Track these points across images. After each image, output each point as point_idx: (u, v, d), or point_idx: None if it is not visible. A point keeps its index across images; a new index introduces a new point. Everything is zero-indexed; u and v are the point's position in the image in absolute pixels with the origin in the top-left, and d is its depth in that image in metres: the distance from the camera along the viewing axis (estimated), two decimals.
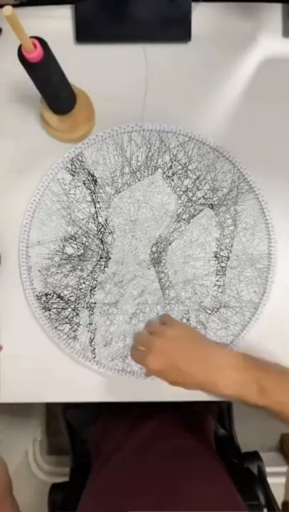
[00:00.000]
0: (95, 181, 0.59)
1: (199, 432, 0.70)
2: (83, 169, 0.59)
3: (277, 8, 0.61)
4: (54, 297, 0.59)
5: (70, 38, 0.61)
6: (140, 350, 0.42)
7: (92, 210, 0.59)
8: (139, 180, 0.60)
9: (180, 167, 0.60)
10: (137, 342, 0.44)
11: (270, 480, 0.73)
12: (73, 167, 0.59)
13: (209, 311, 0.59)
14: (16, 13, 0.35)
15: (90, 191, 0.59)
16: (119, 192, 0.60)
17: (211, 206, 0.60)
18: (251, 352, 0.59)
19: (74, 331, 0.59)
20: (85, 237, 0.59)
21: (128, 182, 0.60)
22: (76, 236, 0.59)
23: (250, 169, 0.59)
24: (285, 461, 1.06)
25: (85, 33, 0.60)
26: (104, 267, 0.59)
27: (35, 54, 0.41)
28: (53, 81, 0.48)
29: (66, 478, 0.79)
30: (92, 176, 0.59)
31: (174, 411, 0.69)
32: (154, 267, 0.60)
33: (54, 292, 0.59)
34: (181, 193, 0.60)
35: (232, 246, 0.59)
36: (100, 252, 0.59)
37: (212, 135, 0.59)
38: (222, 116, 0.61)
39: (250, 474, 0.73)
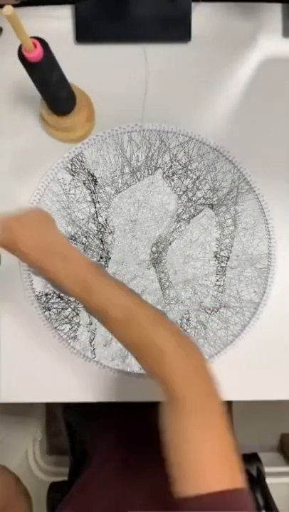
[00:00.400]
0: (95, 181, 0.59)
1: None
2: (83, 169, 0.59)
3: (277, 8, 0.61)
4: (54, 297, 0.59)
5: (70, 38, 0.61)
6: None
7: (92, 210, 0.59)
8: (139, 180, 0.60)
9: (180, 167, 0.60)
10: None
11: (270, 480, 0.73)
12: (73, 167, 0.59)
13: (209, 311, 0.59)
14: (16, 12, 0.35)
15: (90, 191, 0.59)
16: (119, 192, 0.60)
17: (211, 206, 0.60)
18: (251, 352, 0.60)
19: (74, 331, 0.59)
20: (85, 237, 0.59)
21: (128, 182, 0.60)
22: (76, 236, 0.59)
23: (250, 169, 0.59)
24: (285, 461, 1.06)
25: (85, 33, 0.60)
26: (105, 266, 0.59)
27: (35, 54, 0.41)
28: (52, 81, 0.47)
29: (66, 478, 0.79)
30: (92, 176, 0.59)
31: None
32: (154, 267, 0.60)
33: (54, 292, 0.59)
34: (181, 193, 0.60)
35: (232, 246, 0.59)
36: (100, 252, 0.59)
37: (212, 135, 0.59)
38: (222, 116, 0.61)
39: (250, 476, 0.73)
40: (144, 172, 0.59)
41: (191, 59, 0.61)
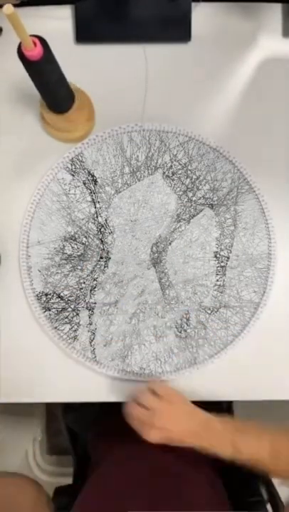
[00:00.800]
0: (95, 181, 0.59)
1: None
2: (83, 169, 0.59)
3: (277, 8, 0.61)
4: (54, 297, 0.59)
5: (70, 38, 0.61)
6: (141, 423, 0.51)
7: (92, 210, 0.59)
8: (139, 180, 0.59)
9: (180, 167, 0.60)
10: (135, 413, 0.51)
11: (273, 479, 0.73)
12: (73, 167, 0.59)
13: (209, 311, 0.59)
14: (16, 11, 0.35)
15: (90, 191, 0.59)
16: (119, 192, 0.60)
17: (211, 206, 0.60)
18: (251, 352, 0.60)
19: (74, 331, 0.59)
20: (85, 237, 0.59)
21: (128, 182, 0.59)
22: (76, 236, 0.59)
23: (250, 169, 0.59)
24: None
25: (85, 33, 0.60)
26: (104, 267, 0.59)
27: (35, 52, 0.41)
28: (52, 80, 0.48)
29: (66, 478, 0.79)
30: (92, 176, 0.59)
31: None
32: (154, 267, 0.60)
33: (54, 292, 0.59)
34: (181, 193, 0.60)
35: (232, 246, 0.59)
36: (100, 252, 0.59)
37: (212, 135, 0.59)
38: (222, 116, 0.61)
39: (253, 471, 0.73)
40: (144, 172, 0.59)
41: (191, 59, 0.61)
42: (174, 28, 0.60)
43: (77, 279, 0.59)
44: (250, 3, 0.60)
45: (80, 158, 0.59)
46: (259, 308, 0.59)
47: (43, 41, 0.42)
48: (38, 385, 0.60)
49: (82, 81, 0.56)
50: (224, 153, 0.59)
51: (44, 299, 0.59)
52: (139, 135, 0.59)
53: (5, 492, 0.57)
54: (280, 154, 0.60)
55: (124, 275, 0.59)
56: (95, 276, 0.59)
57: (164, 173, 0.59)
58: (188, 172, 0.59)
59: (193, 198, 0.60)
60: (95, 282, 0.59)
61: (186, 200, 0.60)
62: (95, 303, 0.59)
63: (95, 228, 0.59)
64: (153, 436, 0.49)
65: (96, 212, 0.59)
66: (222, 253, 0.59)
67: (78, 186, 0.59)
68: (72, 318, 0.59)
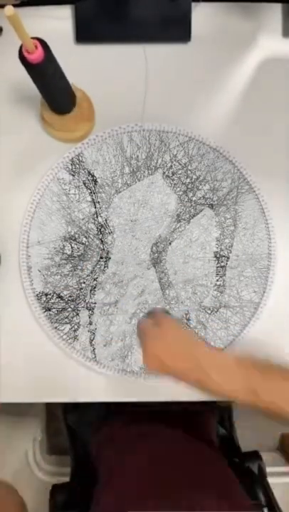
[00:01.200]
0: (95, 181, 0.59)
1: (202, 434, 0.69)
2: (83, 169, 0.59)
3: (277, 8, 0.61)
4: (54, 297, 0.59)
5: (70, 38, 0.61)
6: (144, 333, 0.45)
7: (92, 210, 0.59)
8: (139, 180, 0.60)
9: (180, 167, 0.60)
10: (143, 324, 0.47)
11: (270, 480, 0.73)
12: (73, 167, 0.59)
13: (209, 311, 0.59)
14: (17, 13, 0.35)
15: (90, 191, 0.59)
16: (119, 192, 0.60)
17: (211, 206, 0.60)
18: (251, 352, 0.60)
19: (74, 331, 0.59)
20: (85, 237, 0.59)
21: (128, 182, 0.59)
22: (76, 236, 0.59)
23: (250, 169, 0.59)
24: (285, 461, 1.06)
25: (85, 33, 0.60)
26: (104, 267, 0.59)
27: (36, 55, 0.41)
28: (53, 81, 0.48)
29: (66, 478, 0.79)
30: (92, 176, 0.59)
31: (175, 411, 0.69)
32: (154, 267, 0.60)
33: (54, 292, 0.59)
34: (181, 193, 0.60)
35: (232, 246, 0.59)
36: (100, 252, 0.59)
37: (212, 135, 0.59)
38: (222, 116, 0.61)
39: (251, 474, 0.73)
40: (144, 172, 0.59)
41: (191, 59, 0.61)
42: (174, 28, 0.60)
43: (77, 279, 0.59)
44: (250, 3, 0.60)
45: (80, 158, 0.59)
46: (259, 308, 0.59)
47: (43, 43, 0.42)
48: (38, 384, 0.60)
49: (82, 81, 0.56)
50: (224, 153, 0.59)
51: (44, 299, 0.59)
52: (139, 135, 0.59)
53: None
54: (280, 154, 0.60)
55: (124, 275, 0.59)
56: (95, 276, 0.59)
57: (164, 173, 0.59)
58: (188, 172, 0.59)
59: (193, 198, 0.60)
60: (95, 282, 0.59)
61: (186, 200, 0.60)
62: (95, 303, 0.59)
63: (95, 228, 0.59)
64: (148, 363, 0.44)
65: (96, 212, 0.59)
66: (222, 253, 0.59)
67: (78, 186, 0.59)
68: (72, 318, 0.59)
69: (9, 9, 0.34)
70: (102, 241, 0.59)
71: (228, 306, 0.59)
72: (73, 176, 0.59)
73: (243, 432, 0.90)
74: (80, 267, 0.59)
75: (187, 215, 0.60)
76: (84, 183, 0.59)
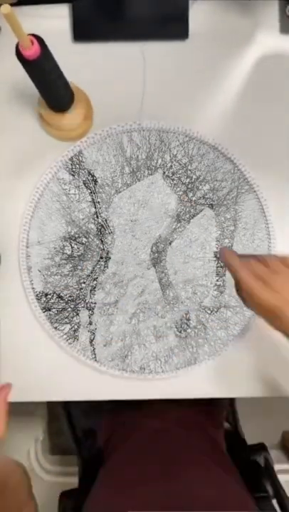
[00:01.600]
0: (95, 181, 0.59)
1: (210, 436, 0.69)
2: (83, 169, 0.59)
3: (274, 4, 0.61)
4: (54, 297, 0.59)
5: (67, 36, 0.60)
6: (256, 278, 0.41)
7: (92, 210, 0.59)
8: (139, 180, 0.59)
9: (180, 167, 0.59)
10: (253, 267, 0.43)
11: None
12: (73, 167, 0.59)
13: (209, 311, 0.59)
14: (14, 11, 0.35)
15: (90, 191, 0.59)
16: (119, 192, 0.59)
17: (211, 206, 0.59)
18: (251, 352, 0.60)
19: (74, 331, 0.59)
20: (85, 237, 0.59)
21: (128, 182, 0.59)
22: (76, 236, 0.59)
23: (250, 169, 0.59)
24: (287, 458, 1.06)
25: (83, 31, 0.60)
26: (104, 267, 0.59)
27: (32, 51, 0.41)
28: (50, 78, 0.47)
29: (69, 478, 0.79)
30: (92, 175, 0.59)
31: (179, 408, 0.70)
32: (154, 267, 0.60)
33: (54, 292, 0.59)
34: (181, 193, 0.59)
35: (232, 246, 0.59)
36: (100, 252, 0.59)
37: (211, 133, 0.59)
38: (221, 114, 0.60)
39: (258, 466, 0.73)
40: (144, 172, 0.59)
41: (188, 56, 0.61)
42: (172, 25, 0.60)
43: (77, 279, 0.59)
44: (247, 0, 0.60)
45: (79, 158, 0.59)
46: None
47: (40, 40, 0.42)
48: (39, 384, 0.60)
49: (80, 79, 0.56)
50: (223, 150, 0.59)
51: (44, 299, 0.59)
52: (139, 135, 0.59)
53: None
54: (281, 154, 0.60)
55: (124, 275, 0.59)
56: (95, 276, 0.59)
57: (164, 173, 0.59)
58: (189, 172, 0.59)
59: (193, 198, 0.59)
60: (95, 282, 0.59)
61: (186, 200, 0.59)
62: (95, 303, 0.59)
63: (95, 228, 0.59)
64: (266, 296, 0.40)
65: (96, 212, 0.59)
66: None
67: (78, 186, 0.59)
68: (72, 318, 0.59)
69: (5, 7, 0.34)
70: (102, 241, 0.59)
71: (228, 306, 0.59)
72: (73, 175, 0.59)
73: (245, 429, 0.90)
74: (80, 267, 0.59)
75: (187, 215, 0.59)
76: (84, 183, 0.59)
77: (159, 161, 0.59)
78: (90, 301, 0.59)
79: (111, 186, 0.59)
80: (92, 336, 0.59)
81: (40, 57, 0.42)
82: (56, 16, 0.60)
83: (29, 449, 1.00)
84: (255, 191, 0.59)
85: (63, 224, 0.59)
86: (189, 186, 0.59)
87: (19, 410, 1.03)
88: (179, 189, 0.59)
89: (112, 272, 0.59)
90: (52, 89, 0.50)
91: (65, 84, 0.51)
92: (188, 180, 0.59)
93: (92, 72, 0.59)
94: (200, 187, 0.59)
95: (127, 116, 0.59)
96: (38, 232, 0.59)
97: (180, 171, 0.59)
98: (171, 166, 0.59)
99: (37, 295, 0.59)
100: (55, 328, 0.59)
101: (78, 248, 0.59)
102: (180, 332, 0.59)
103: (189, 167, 0.59)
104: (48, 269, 0.59)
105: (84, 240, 0.59)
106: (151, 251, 0.60)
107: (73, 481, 0.76)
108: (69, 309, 0.59)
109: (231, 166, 0.59)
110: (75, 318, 0.59)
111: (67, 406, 0.87)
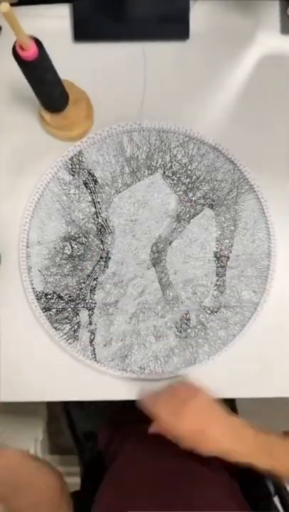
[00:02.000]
0: (95, 181, 0.59)
1: None
2: (83, 169, 0.59)
3: (275, 5, 0.61)
4: (54, 297, 0.59)
5: (68, 36, 0.60)
6: (168, 413, 0.46)
7: (92, 210, 0.59)
8: (139, 180, 0.59)
9: (180, 167, 0.59)
10: (161, 401, 0.47)
11: None
12: (73, 167, 0.59)
13: (209, 311, 0.59)
14: (13, 10, 0.35)
15: (90, 191, 0.59)
16: (119, 192, 0.59)
17: (211, 206, 0.59)
18: (251, 351, 0.60)
19: (74, 331, 0.59)
20: (85, 237, 0.59)
21: (128, 182, 0.59)
22: (76, 236, 0.59)
23: (250, 169, 0.59)
24: None
25: (83, 31, 0.60)
26: (104, 267, 0.59)
27: (30, 53, 0.41)
28: (46, 79, 0.47)
29: (68, 478, 0.78)
30: (92, 175, 0.59)
31: None
32: (154, 267, 0.59)
33: (54, 292, 0.59)
34: (181, 193, 0.59)
35: (232, 246, 0.59)
36: (100, 252, 0.59)
37: (212, 134, 0.59)
38: (221, 114, 0.60)
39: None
40: (144, 172, 0.59)
41: (189, 56, 0.61)
42: (173, 25, 0.60)
43: (77, 279, 0.59)
44: (248, 1, 0.60)
45: (80, 158, 0.59)
46: (259, 308, 0.59)
47: (37, 42, 0.42)
48: (39, 384, 0.60)
49: (81, 79, 0.56)
50: (223, 151, 0.59)
51: (44, 299, 0.59)
52: (139, 135, 0.59)
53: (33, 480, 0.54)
54: (281, 153, 0.60)
55: (124, 275, 0.59)
56: (95, 276, 0.59)
57: (164, 173, 0.59)
58: (189, 172, 0.59)
59: (193, 198, 0.59)
60: (95, 282, 0.59)
61: (186, 200, 0.59)
62: (95, 303, 0.59)
63: (95, 228, 0.59)
64: (187, 421, 0.45)
65: (96, 212, 0.59)
66: (222, 253, 0.59)
67: (78, 186, 0.59)
68: (72, 318, 0.59)
69: (4, 6, 0.34)
70: (102, 241, 0.59)
71: (228, 306, 0.59)
72: (73, 175, 0.59)
73: None
74: (80, 267, 0.59)
75: (187, 215, 0.59)
76: (84, 183, 0.59)
77: (159, 161, 0.59)
78: (90, 301, 0.59)
79: (111, 186, 0.59)
80: (92, 336, 0.59)
81: (38, 59, 0.42)
82: (56, 16, 0.60)
83: (29, 449, 1.00)
84: (255, 191, 0.59)
85: (63, 224, 0.59)
86: (189, 186, 0.59)
87: (19, 410, 1.03)
88: (179, 189, 0.59)
89: (112, 272, 0.59)
90: (47, 90, 0.50)
91: (61, 85, 0.51)
92: (188, 180, 0.59)
93: (92, 72, 0.59)
94: (200, 187, 0.59)
95: (127, 116, 0.59)
96: (38, 232, 0.59)
97: (180, 171, 0.59)
98: (171, 166, 0.59)
99: (37, 295, 0.59)
100: (55, 328, 0.59)
101: (78, 248, 0.59)
102: (180, 332, 0.59)
103: (189, 167, 0.59)
104: (48, 269, 0.59)
105: (84, 239, 0.59)
106: (151, 251, 0.60)
107: (73, 481, 0.76)
108: (69, 309, 0.59)
109: (231, 166, 0.59)
110: (75, 318, 0.59)
111: (67, 406, 0.87)
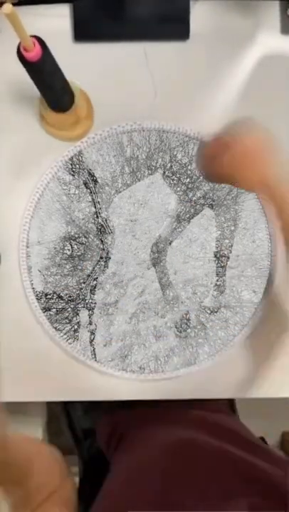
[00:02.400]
0: (95, 181, 0.59)
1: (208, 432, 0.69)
2: (83, 169, 0.59)
3: (275, 5, 0.61)
4: (54, 297, 0.59)
5: (68, 36, 0.60)
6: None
7: (92, 210, 0.59)
8: (139, 180, 0.59)
9: (180, 167, 0.59)
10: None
11: None
12: (73, 167, 0.59)
13: (209, 311, 0.59)
14: (15, 11, 0.35)
15: (90, 191, 0.59)
16: (119, 192, 0.59)
17: (211, 206, 0.59)
18: (251, 351, 0.60)
19: (74, 331, 0.59)
20: (85, 237, 0.59)
21: (128, 182, 0.59)
22: (76, 236, 0.59)
23: None
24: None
25: (83, 31, 0.60)
26: (105, 267, 0.59)
27: (33, 53, 0.41)
28: (51, 79, 0.48)
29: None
30: (92, 175, 0.59)
31: (180, 409, 0.69)
32: (154, 267, 0.60)
33: (54, 292, 0.59)
34: (181, 192, 0.59)
35: (232, 246, 0.59)
36: (100, 252, 0.59)
37: (211, 133, 0.59)
38: (221, 114, 0.60)
39: None
40: (144, 172, 0.59)
41: (189, 57, 0.61)
42: (173, 26, 0.60)
43: (77, 279, 0.59)
44: (248, 1, 0.60)
45: (80, 158, 0.59)
46: (259, 308, 0.59)
47: (41, 41, 0.42)
48: (39, 384, 0.60)
49: (81, 79, 0.56)
50: None
51: (44, 299, 0.59)
52: (139, 135, 0.59)
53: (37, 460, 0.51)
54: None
55: (124, 275, 0.59)
56: (95, 276, 0.59)
57: (164, 173, 0.59)
58: (189, 172, 0.59)
59: (193, 198, 0.59)
60: (95, 282, 0.59)
61: (186, 200, 0.59)
62: (95, 303, 0.59)
63: (95, 228, 0.59)
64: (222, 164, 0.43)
65: (96, 212, 0.59)
66: (222, 253, 0.59)
67: (78, 186, 0.59)
68: (72, 318, 0.59)
69: (7, 7, 0.34)
70: (102, 241, 0.59)
71: (228, 306, 0.59)
72: (73, 175, 0.59)
73: None
74: (80, 267, 0.59)
75: (187, 215, 0.59)
76: (84, 183, 0.59)
77: (159, 161, 0.59)
78: (90, 301, 0.59)
79: (111, 186, 0.59)
80: (92, 336, 0.59)
81: (42, 59, 0.42)
82: (57, 16, 0.60)
83: None
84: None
85: (63, 224, 0.59)
86: (189, 186, 0.59)
87: (19, 410, 1.03)
88: (179, 189, 0.59)
89: (112, 272, 0.59)
90: (53, 90, 0.50)
91: (66, 84, 0.52)
92: (188, 180, 0.59)
93: (92, 72, 0.59)
94: (200, 187, 0.59)
95: (127, 117, 0.59)
96: (38, 232, 0.59)
97: (180, 171, 0.59)
98: (171, 166, 0.59)
99: (37, 295, 0.59)
100: (55, 328, 0.59)
101: (78, 248, 0.59)
102: (180, 332, 0.59)
103: (189, 167, 0.59)
104: (48, 269, 0.59)
105: (84, 239, 0.59)
106: (151, 251, 0.60)
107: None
108: (69, 309, 0.59)
109: None
110: (75, 318, 0.59)
111: (67, 406, 0.87)
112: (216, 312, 0.59)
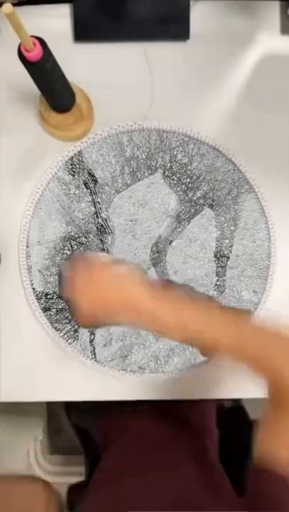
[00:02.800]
0: (95, 181, 0.59)
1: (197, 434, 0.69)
2: (83, 169, 0.59)
3: (275, 5, 0.61)
4: (54, 297, 0.59)
5: (68, 36, 0.60)
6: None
7: (92, 210, 0.59)
8: (139, 180, 0.59)
9: (180, 167, 0.59)
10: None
11: None
12: (73, 167, 0.59)
13: None
14: (16, 11, 0.35)
15: (90, 191, 0.59)
16: (119, 192, 0.59)
17: (211, 206, 0.60)
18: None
19: (74, 331, 0.59)
20: (85, 237, 0.59)
21: (128, 182, 0.59)
22: (76, 236, 0.59)
23: (250, 169, 0.59)
24: None
25: (84, 31, 0.60)
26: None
27: (34, 53, 0.41)
28: (52, 79, 0.48)
29: (68, 477, 0.79)
30: (93, 175, 0.59)
31: (171, 407, 0.69)
32: (154, 267, 0.60)
33: (54, 292, 0.59)
34: (181, 192, 0.60)
35: (232, 246, 0.59)
36: (100, 252, 0.59)
37: (212, 134, 0.59)
38: (222, 115, 0.61)
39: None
40: (144, 172, 0.59)
41: (189, 57, 0.61)
42: (173, 26, 0.60)
43: None
44: (248, 1, 0.60)
45: (80, 158, 0.59)
46: (259, 308, 0.59)
47: (41, 41, 0.42)
48: (39, 384, 0.60)
49: (81, 79, 0.56)
50: (224, 151, 0.59)
51: (44, 299, 0.59)
52: (139, 135, 0.59)
53: (15, 495, 0.55)
54: (281, 154, 0.60)
55: None
56: None
57: (164, 173, 0.59)
58: (189, 172, 0.59)
59: (194, 198, 0.59)
60: None
61: (186, 200, 0.59)
62: None
63: (95, 228, 0.59)
64: (81, 322, 0.42)
65: (96, 212, 0.59)
66: (222, 253, 0.59)
67: (78, 186, 0.59)
68: (72, 318, 0.59)
69: (7, 7, 0.34)
70: (102, 241, 0.59)
71: (228, 306, 0.59)
72: (73, 175, 0.59)
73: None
74: None
75: (187, 215, 0.60)
76: (84, 183, 0.59)
77: (159, 161, 0.59)
78: None
79: (111, 186, 0.59)
80: (92, 336, 0.59)
81: (42, 59, 0.42)
82: (57, 16, 0.60)
83: (28, 449, 1.00)
84: (255, 191, 0.59)
85: (63, 224, 0.59)
86: (189, 186, 0.59)
87: (19, 410, 1.03)
88: (178, 189, 0.59)
89: None
90: (54, 90, 0.50)
91: (67, 85, 0.52)
92: (188, 180, 0.59)
93: (92, 73, 0.59)
94: (200, 187, 0.59)
95: (128, 116, 0.59)
96: (38, 232, 0.59)
97: (180, 171, 0.59)
98: (171, 166, 0.59)
99: (37, 295, 0.59)
100: (55, 328, 0.59)
101: (78, 248, 0.59)
102: None
103: (189, 167, 0.59)
104: (48, 269, 0.59)
105: (84, 239, 0.59)
106: (151, 251, 0.60)
107: (73, 481, 0.76)
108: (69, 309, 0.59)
109: (231, 166, 0.59)
110: None
111: (67, 406, 0.87)
112: None
